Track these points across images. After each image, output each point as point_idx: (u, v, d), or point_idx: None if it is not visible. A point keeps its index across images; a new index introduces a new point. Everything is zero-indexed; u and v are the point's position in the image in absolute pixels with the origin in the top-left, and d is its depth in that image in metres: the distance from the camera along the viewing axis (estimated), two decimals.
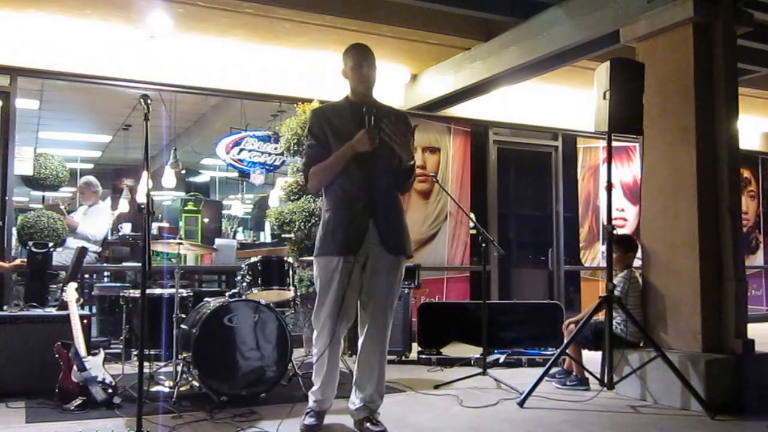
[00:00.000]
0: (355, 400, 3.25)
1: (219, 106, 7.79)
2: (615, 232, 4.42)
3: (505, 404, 3.95)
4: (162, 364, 4.40)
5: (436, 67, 6.53)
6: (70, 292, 3.96)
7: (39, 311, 4.27)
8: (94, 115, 8.30)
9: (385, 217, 3.21)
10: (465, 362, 5.24)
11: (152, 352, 4.23)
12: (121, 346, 4.37)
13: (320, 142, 3.24)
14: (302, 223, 5.63)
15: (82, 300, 4.18)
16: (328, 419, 3.37)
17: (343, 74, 3.31)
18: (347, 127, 3.18)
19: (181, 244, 4.24)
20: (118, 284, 6.52)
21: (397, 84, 6.83)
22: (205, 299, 4.28)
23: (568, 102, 7.48)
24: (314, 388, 3.30)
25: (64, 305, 4.10)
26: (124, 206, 8.27)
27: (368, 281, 3.21)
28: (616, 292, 4.12)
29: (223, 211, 11.30)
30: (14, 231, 5.73)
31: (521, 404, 3.89)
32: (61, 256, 5.59)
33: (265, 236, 10.53)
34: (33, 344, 4.01)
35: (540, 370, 4.16)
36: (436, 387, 4.42)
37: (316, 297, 3.25)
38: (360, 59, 3.24)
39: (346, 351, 5.45)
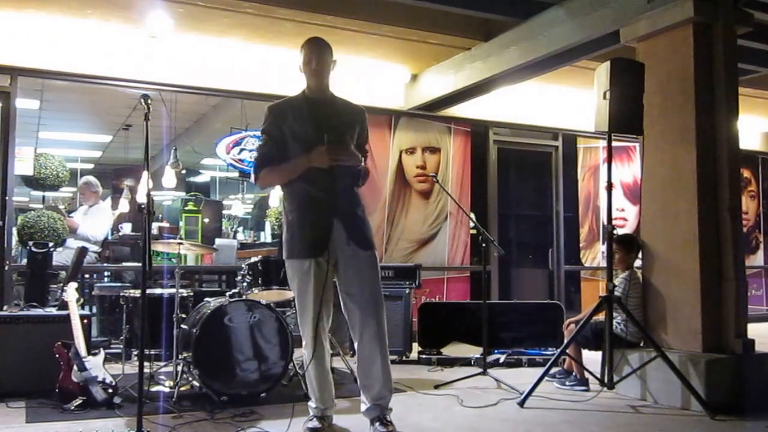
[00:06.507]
0: (365, 400, 3.21)
1: (219, 106, 7.78)
2: (615, 232, 4.42)
3: (506, 404, 3.96)
4: (162, 364, 4.40)
5: (436, 67, 6.53)
6: (71, 292, 3.96)
7: (39, 311, 4.26)
8: (94, 115, 8.29)
9: (349, 214, 3.21)
10: (465, 362, 5.25)
11: (152, 352, 4.23)
12: (121, 346, 4.37)
13: (275, 141, 3.21)
14: None
15: (82, 300, 4.18)
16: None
17: (299, 69, 3.27)
18: (304, 128, 3.18)
19: (181, 244, 4.25)
20: (118, 284, 6.51)
21: (397, 84, 6.84)
22: (206, 299, 4.28)
23: (568, 102, 7.48)
24: (312, 400, 3.29)
25: (64, 305, 4.09)
26: (124, 206, 8.25)
27: (346, 281, 3.20)
28: (617, 293, 4.12)
29: (224, 211, 11.29)
30: (14, 231, 5.73)
31: (521, 404, 3.89)
32: (61, 256, 5.59)
33: (266, 236, 10.49)
34: (33, 344, 4.00)
35: (540, 370, 4.16)
36: (437, 387, 4.42)
37: (295, 302, 3.25)
38: (309, 54, 3.20)
39: (347, 352, 5.44)
